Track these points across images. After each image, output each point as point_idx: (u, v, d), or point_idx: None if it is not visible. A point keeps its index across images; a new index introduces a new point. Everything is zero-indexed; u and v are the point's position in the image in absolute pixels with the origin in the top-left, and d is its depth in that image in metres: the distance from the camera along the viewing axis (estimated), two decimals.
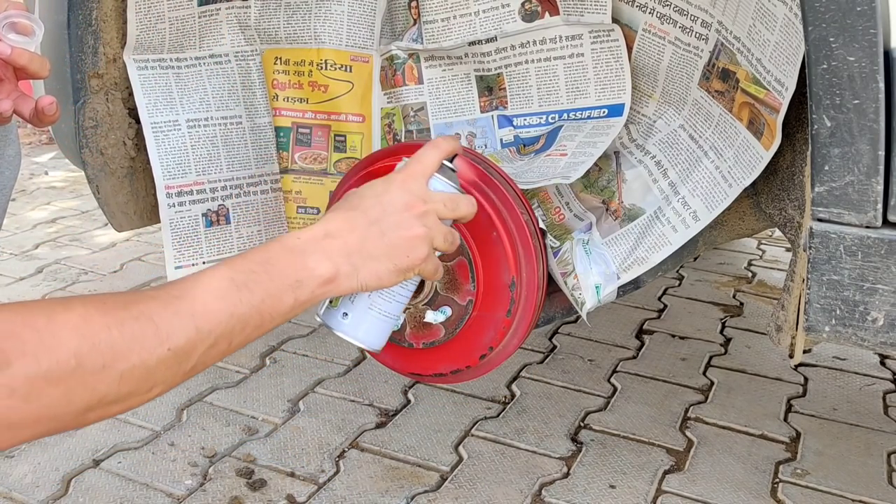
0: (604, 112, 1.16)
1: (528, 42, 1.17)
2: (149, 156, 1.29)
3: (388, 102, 1.28)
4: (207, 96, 1.28)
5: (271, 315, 0.70)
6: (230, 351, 0.69)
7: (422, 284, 1.06)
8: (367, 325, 0.85)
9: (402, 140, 1.28)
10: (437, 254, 0.85)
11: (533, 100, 1.21)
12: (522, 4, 1.15)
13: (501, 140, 1.25)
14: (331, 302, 0.86)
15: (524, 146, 1.23)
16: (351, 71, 1.27)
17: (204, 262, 1.38)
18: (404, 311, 0.92)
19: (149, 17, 1.18)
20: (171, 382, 0.65)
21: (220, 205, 1.35)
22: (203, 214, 1.35)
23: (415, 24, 1.22)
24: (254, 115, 1.33)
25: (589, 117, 1.17)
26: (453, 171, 0.89)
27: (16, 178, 0.96)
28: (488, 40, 1.18)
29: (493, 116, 1.24)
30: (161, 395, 0.65)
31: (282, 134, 1.33)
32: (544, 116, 1.21)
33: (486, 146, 1.25)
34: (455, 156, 0.90)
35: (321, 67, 1.27)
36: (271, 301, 0.70)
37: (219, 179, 1.33)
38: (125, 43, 1.21)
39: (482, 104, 1.24)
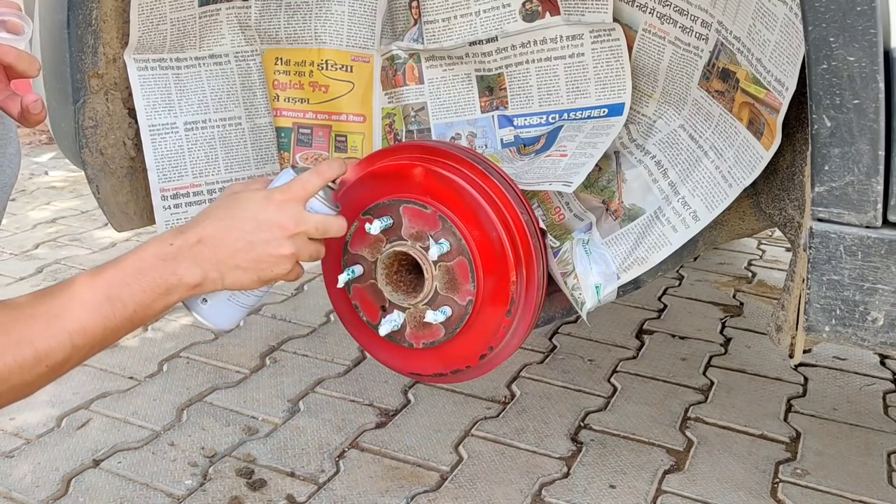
0: (604, 112, 1.16)
1: (529, 42, 1.17)
2: (144, 157, 1.29)
3: (389, 102, 1.28)
4: (206, 98, 1.28)
5: (142, 320, 0.78)
6: (102, 349, 0.78)
7: (421, 284, 1.06)
8: (224, 312, 0.92)
9: (403, 140, 1.28)
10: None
11: (533, 100, 1.21)
12: (523, 4, 1.15)
13: (502, 140, 1.25)
14: None
15: (524, 146, 1.23)
16: (352, 71, 1.27)
17: None
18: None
19: (151, 19, 1.18)
20: (45, 385, 0.73)
21: None
22: None
23: (415, 24, 1.22)
24: (254, 116, 1.33)
25: (589, 117, 1.17)
26: (332, 189, 0.93)
27: (16, 175, 0.96)
28: (489, 40, 1.18)
29: (493, 116, 1.24)
30: (33, 393, 0.73)
31: (283, 134, 1.33)
32: (545, 116, 1.21)
33: (486, 146, 1.25)
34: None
35: (322, 68, 1.27)
36: (143, 310, 0.78)
37: (216, 181, 1.33)
38: (125, 43, 1.21)
39: (483, 104, 1.24)
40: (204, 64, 1.27)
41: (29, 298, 0.73)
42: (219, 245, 0.82)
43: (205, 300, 0.90)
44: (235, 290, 0.86)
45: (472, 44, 1.19)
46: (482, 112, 1.25)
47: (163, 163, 1.28)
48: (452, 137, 1.25)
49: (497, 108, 1.24)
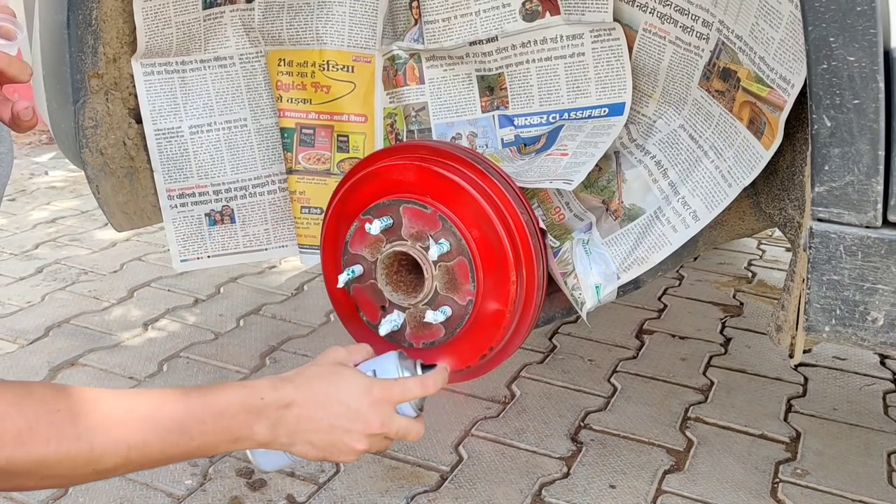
0: (604, 111, 1.16)
1: (529, 42, 1.17)
2: (150, 160, 1.30)
3: (391, 102, 1.28)
4: (211, 101, 1.29)
5: (200, 455, 0.79)
6: (144, 469, 0.77)
7: (421, 284, 1.06)
8: (273, 460, 0.92)
9: (404, 140, 1.28)
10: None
11: (534, 99, 1.21)
12: (523, 4, 1.15)
13: (502, 140, 1.25)
14: None
15: (525, 146, 1.23)
16: (353, 71, 1.27)
17: (209, 256, 1.40)
18: None
19: (156, 23, 1.19)
20: (76, 484, 0.77)
21: (223, 206, 1.37)
22: (206, 215, 1.36)
23: (416, 24, 1.22)
24: (260, 117, 1.34)
25: (590, 116, 1.17)
26: (421, 408, 0.95)
27: (9, 174, 0.95)
28: (489, 40, 1.18)
29: (494, 116, 1.24)
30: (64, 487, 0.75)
31: (286, 135, 1.33)
32: (545, 116, 1.21)
33: (486, 146, 1.25)
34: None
35: (323, 68, 1.27)
36: (205, 449, 0.78)
37: (222, 182, 1.34)
38: (125, 42, 1.21)
39: (483, 104, 1.24)
40: (209, 66, 1.28)
41: (112, 394, 0.72)
42: (303, 418, 0.83)
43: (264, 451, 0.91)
44: (296, 456, 0.87)
45: (473, 44, 1.19)
46: (483, 112, 1.25)
47: (168, 165, 1.30)
48: (453, 137, 1.25)
49: (498, 108, 1.24)
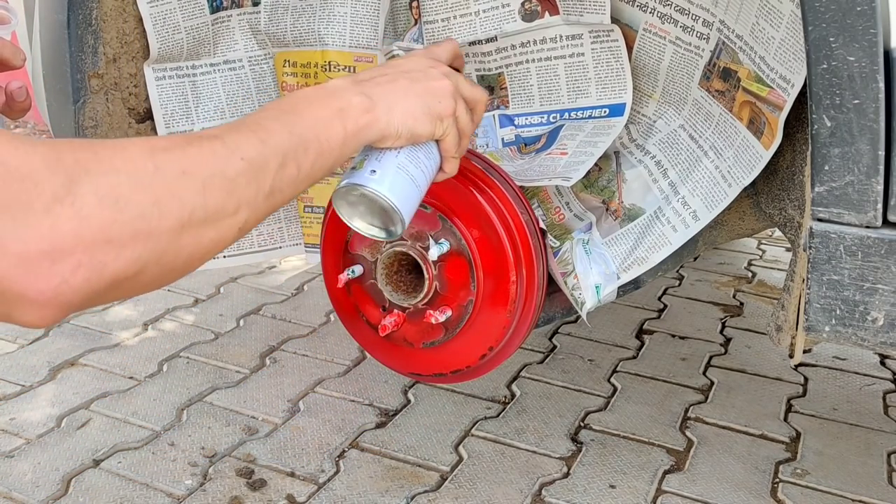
0: (605, 112, 1.16)
1: (529, 42, 1.17)
2: None
3: None
4: (222, 104, 1.30)
5: (327, 140, 0.71)
6: (301, 180, 0.68)
7: (421, 284, 1.06)
8: (395, 181, 0.81)
9: None
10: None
11: (534, 99, 1.21)
12: (522, 4, 1.15)
13: (503, 139, 1.25)
14: (354, 168, 0.84)
15: (525, 145, 1.23)
16: (354, 72, 1.27)
17: (225, 256, 1.41)
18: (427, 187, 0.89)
19: (166, 29, 1.20)
20: (255, 206, 0.64)
21: None
22: None
23: (415, 24, 1.22)
24: None
25: (590, 117, 1.17)
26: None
27: None
28: (488, 40, 1.18)
29: (494, 116, 1.24)
30: (248, 226, 0.64)
31: None
32: (545, 116, 1.21)
33: (487, 145, 1.25)
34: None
35: (326, 69, 1.28)
36: (322, 126, 0.71)
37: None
38: (124, 42, 1.22)
39: None
40: (219, 70, 1.29)
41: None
42: (377, 77, 0.78)
43: (373, 171, 0.82)
44: (406, 128, 0.78)
45: (472, 44, 1.19)
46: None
47: None
48: None
49: (498, 108, 1.24)
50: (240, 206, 0.62)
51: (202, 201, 0.58)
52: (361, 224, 0.85)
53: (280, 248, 1.46)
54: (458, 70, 0.91)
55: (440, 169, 0.86)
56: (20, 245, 0.48)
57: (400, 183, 0.81)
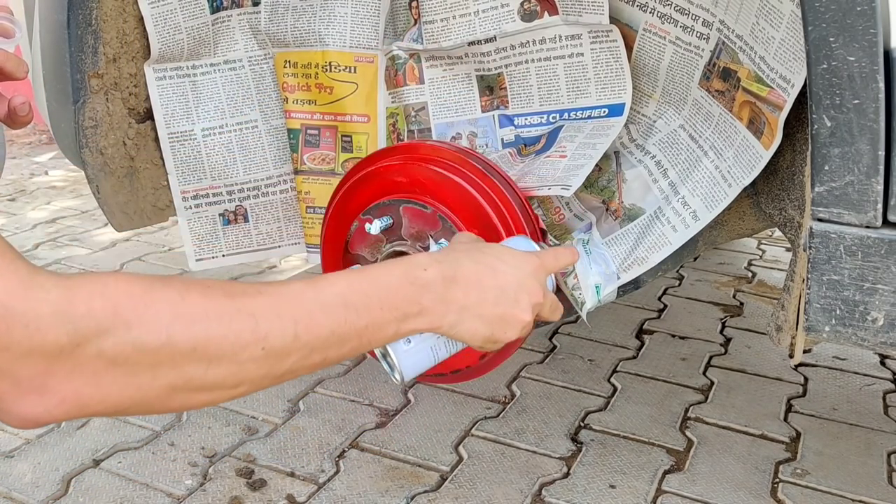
0: (604, 112, 1.16)
1: (528, 42, 1.17)
2: (164, 163, 1.32)
3: (392, 102, 1.28)
4: (222, 104, 1.30)
5: (370, 341, 0.70)
6: (322, 366, 0.67)
7: None
8: (419, 358, 0.85)
9: (405, 140, 1.28)
10: None
11: (534, 99, 1.21)
12: (521, 4, 1.15)
13: (503, 140, 1.24)
14: None
15: (525, 146, 1.23)
16: (355, 72, 1.28)
17: (224, 255, 1.42)
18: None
19: (167, 30, 1.20)
20: (259, 384, 0.63)
21: (237, 205, 1.39)
22: (220, 214, 1.38)
23: (415, 24, 1.22)
24: (270, 118, 1.35)
25: (590, 117, 1.17)
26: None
27: (1, 170, 0.95)
28: (488, 40, 1.18)
29: (494, 116, 1.24)
30: (245, 395, 0.64)
31: (292, 136, 1.34)
32: (545, 116, 1.21)
33: (487, 145, 1.25)
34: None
35: (326, 69, 1.28)
36: (374, 328, 0.70)
37: (235, 183, 1.36)
38: (124, 42, 1.22)
39: (483, 104, 1.24)
40: (219, 70, 1.29)
41: (258, 284, 0.65)
42: (471, 288, 0.76)
43: (409, 340, 0.83)
44: (461, 340, 0.79)
45: (471, 44, 1.19)
46: (483, 112, 1.25)
47: (182, 167, 1.31)
48: (453, 137, 1.25)
49: (498, 108, 1.24)
50: (242, 383, 0.62)
51: (202, 375, 0.59)
52: (401, 378, 0.87)
53: (279, 247, 1.46)
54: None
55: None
56: (16, 377, 0.51)
57: (422, 358, 0.84)
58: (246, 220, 1.41)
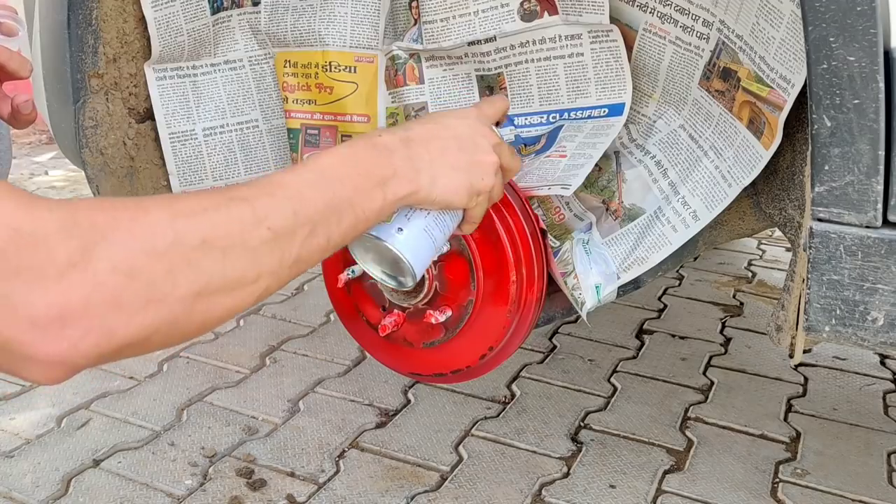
0: (604, 112, 1.16)
1: (528, 42, 1.17)
2: (165, 164, 1.31)
3: (392, 102, 1.28)
4: (223, 103, 1.30)
5: (364, 211, 0.70)
6: (329, 249, 0.67)
7: (421, 284, 1.06)
8: (418, 243, 0.83)
9: None
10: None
11: (533, 99, 1.21)
12: (521, 4, 1.15)
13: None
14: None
15: (525, 146, 1.23)
16: (355, 72, 1.27)
17: None
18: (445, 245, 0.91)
19: (169, 32, 1.20)
20: (277, 275, 0.62)
21: None
22: None
23: (415, 24, 1.22)
24: (271, 118, 1.35)
25: (590, 117, 1.17)
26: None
27: (7, 172, 0.96)
28: (487, 40, 1.18)
29: None
30: (268, 292, 0.63)
31: (291, 135, 1.34)
32: (545, 116, 1.21)
33: None
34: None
35: (326, 69, 1.28)
36: (362, 196, 0.70)
37: (237, 183, 1.35)
38: (124, 42, 1.22)
39: None
40: (219, 70, 1.29)
41: (243, 183, 0.66)
42: (431, 141, 0.77)
43: (400, 230, 0.83)
44: (442, 201, 0.78)
45: (471, 44, 1.19)
46: None
47: (183, 168, 1.31)
48: None
49: None
50: (261, 275, 0.61)
51: (220, 270, 0.57)
52: (375, 269, 0.86)
53: None
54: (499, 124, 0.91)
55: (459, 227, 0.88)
56: (31, 309, 0.48)
57: (422, 245, 0.83)
58: None
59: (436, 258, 0.88)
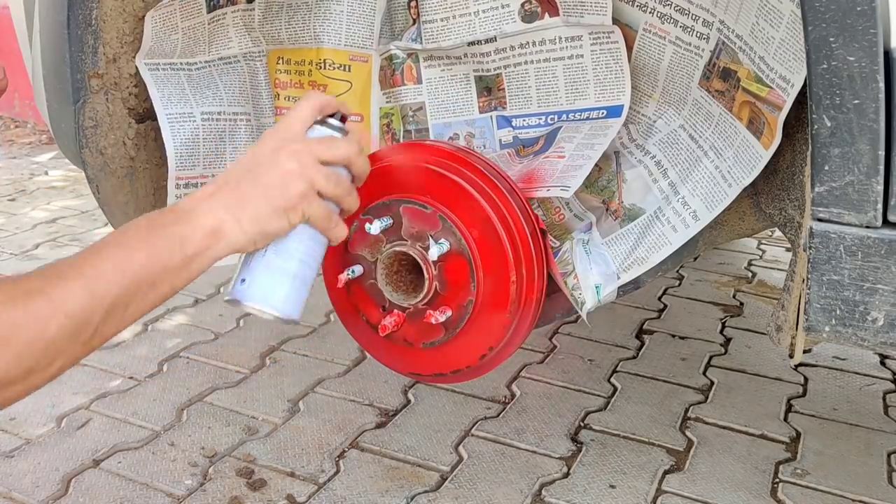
0: (602, 113, 1.16)
1: (528, 43, 1.17)
2: (164, 145, 1.29)
3: (387, 102, 1.28)
4: (220, 91, 1.29)
5: (164, 272, 0.71)
6: (127, 320, 0.69)
7: (421, 284, 1.06)
8: (268, 285, 0.81)
9: (401, 140, 1.28)
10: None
11: (532, 100, 1.21)
12: (522, 5, 1.15)
13: (500, 141, 1.24)
14: (232, 277, 0.85)
15: (523, 147, 1.23)
16: (350, 70, 1.27)
17: None
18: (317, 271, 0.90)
19: (164, 30, 1.19)
20: (73, 354, 0.65)
21: None
22: None
23: (414, 23, 1.22)
24: (259, 116, 1.34)
25: (588, 118, 1.17)
26: (341, 125, 0.86)
27: None
28: (487, 41, 1.18)
29: (491, 117, 1.24)
30: (63, 370, 0.66)
31: None
32: (543, 117, 1.21)
33: (484, 146, 1.25)
34: (343, 117, 0.89)
35: (320, 67, 1.27)
36: (159, 258, 0.71)
37: (37, 269, 1.33)
38: (124, 42, 1.21)
39: (481, 104, 1.24)
40: (215, 65, 1.28)
41: (37, 270, 0.67)
42: (225, 188, 0.77)
43: (243, 280, 0.82)
44: (255, 232, 0.77)
45: (471, 44, 1.19)
46: (481, 112, 1.24)
47: (181, 150, 1.28)
48: (451, 137, 1.25)
49: (495, 109, 1.24)
50: (55, 359, 0.64)
51: (15, 367, 0.60)
52: (263, 314, 0.83)
53: None
54: (329, 117, 0.87)
55: (328, 239, 0.85)
56: None
57: (273, 283, 0.82)
58: None
59: (310, 283, 0.85)
